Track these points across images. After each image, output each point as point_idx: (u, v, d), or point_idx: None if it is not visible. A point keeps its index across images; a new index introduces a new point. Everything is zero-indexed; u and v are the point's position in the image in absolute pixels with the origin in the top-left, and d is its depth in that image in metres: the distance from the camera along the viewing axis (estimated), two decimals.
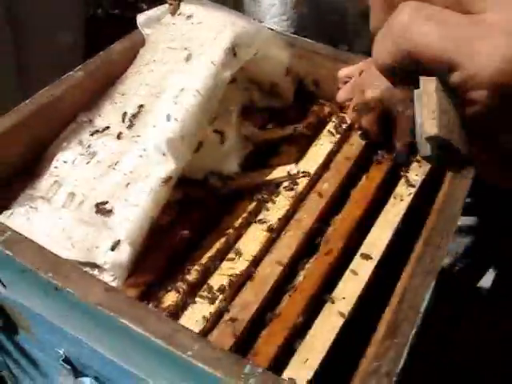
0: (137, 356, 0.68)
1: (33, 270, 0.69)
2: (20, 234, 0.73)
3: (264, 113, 1.03)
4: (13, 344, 0.90)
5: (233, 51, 0.88)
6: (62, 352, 0.81)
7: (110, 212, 0.76)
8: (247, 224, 0.87)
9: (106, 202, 0.77)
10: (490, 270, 1.52)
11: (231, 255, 0.83)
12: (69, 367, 0.82)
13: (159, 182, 0.77)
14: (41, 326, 0.79)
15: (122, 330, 0.65)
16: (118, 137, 0.88)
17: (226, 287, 0.78)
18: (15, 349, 0.91)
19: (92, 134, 0.91)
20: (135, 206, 0.76)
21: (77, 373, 0.83)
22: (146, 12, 1.05)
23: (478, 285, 1.49)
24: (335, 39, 1.07)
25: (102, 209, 0.77)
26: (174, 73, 0.88)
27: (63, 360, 0.81)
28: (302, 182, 0.92)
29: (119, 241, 0.74)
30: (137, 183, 0.78)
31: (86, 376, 0.83)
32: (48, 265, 0.69)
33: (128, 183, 0.79)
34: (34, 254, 0.70)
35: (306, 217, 0.88)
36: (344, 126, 1.02)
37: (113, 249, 0.73)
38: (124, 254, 0.74)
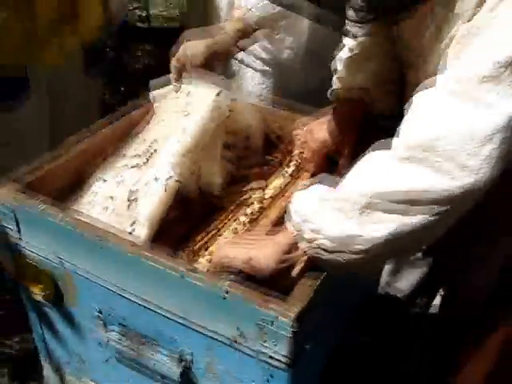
0: (153, 289, 1.04)
1: (85, 235, 1.07)
2: (74, 210, 1.12)
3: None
4: (58, 313, 1.25)
5: (217, 111, 1.31)
6: (97, 307, 1.17)
7: (135, 200, 1.15)
8: (228, 221, 1.27)
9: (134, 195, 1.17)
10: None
11: (215, 240, 1.21)
12: (101, 321, 1.16)
13: (168, 187, 1.17)
14: (83, 284, 1.15)
15: (144, 268, 1.01)
16: (139, 168, 1.28)
17: None
18: (59, 317, 1.25)
19: (120, 167, 1.31)
20: (153, 199, 1.15)
21: (107, 325, 1.17)
22: (158, 91, 1.48)
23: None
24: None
25: (131, 200, 1.16)
26: (178, 124, 1.30)
27: (98, 312, 1.16)
28: (267, 200, 1.33)
29: (139, 221, 1.13)
30: (152, 187, 1.18)
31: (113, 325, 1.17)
32: (94, 230, 1.07)
33: (146, 189, 1.19)
34: (85, 224, 1.09)
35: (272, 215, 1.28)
36: (295, 167, 1.44)
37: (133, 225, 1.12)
38: (143, 231, 1.13)
